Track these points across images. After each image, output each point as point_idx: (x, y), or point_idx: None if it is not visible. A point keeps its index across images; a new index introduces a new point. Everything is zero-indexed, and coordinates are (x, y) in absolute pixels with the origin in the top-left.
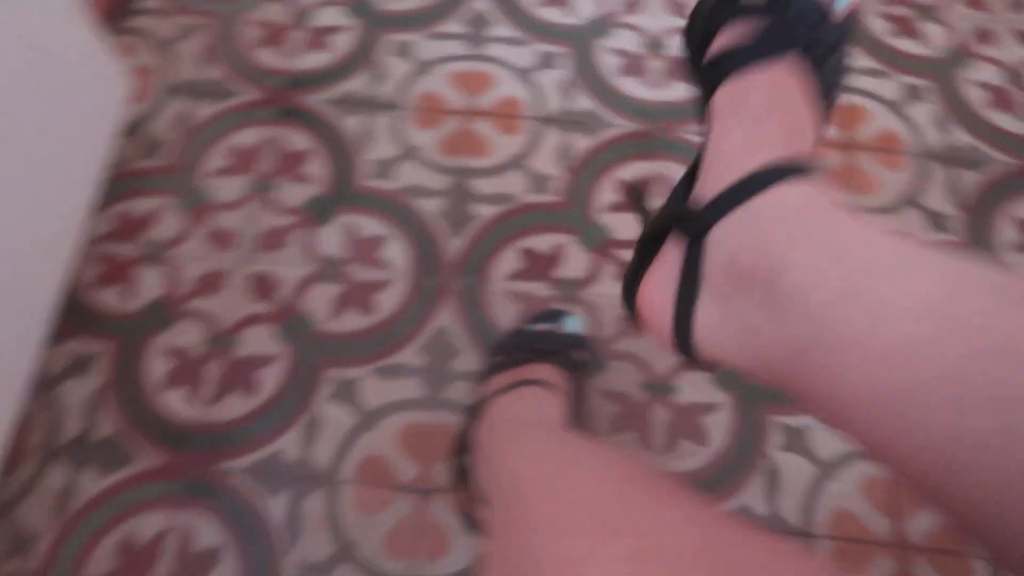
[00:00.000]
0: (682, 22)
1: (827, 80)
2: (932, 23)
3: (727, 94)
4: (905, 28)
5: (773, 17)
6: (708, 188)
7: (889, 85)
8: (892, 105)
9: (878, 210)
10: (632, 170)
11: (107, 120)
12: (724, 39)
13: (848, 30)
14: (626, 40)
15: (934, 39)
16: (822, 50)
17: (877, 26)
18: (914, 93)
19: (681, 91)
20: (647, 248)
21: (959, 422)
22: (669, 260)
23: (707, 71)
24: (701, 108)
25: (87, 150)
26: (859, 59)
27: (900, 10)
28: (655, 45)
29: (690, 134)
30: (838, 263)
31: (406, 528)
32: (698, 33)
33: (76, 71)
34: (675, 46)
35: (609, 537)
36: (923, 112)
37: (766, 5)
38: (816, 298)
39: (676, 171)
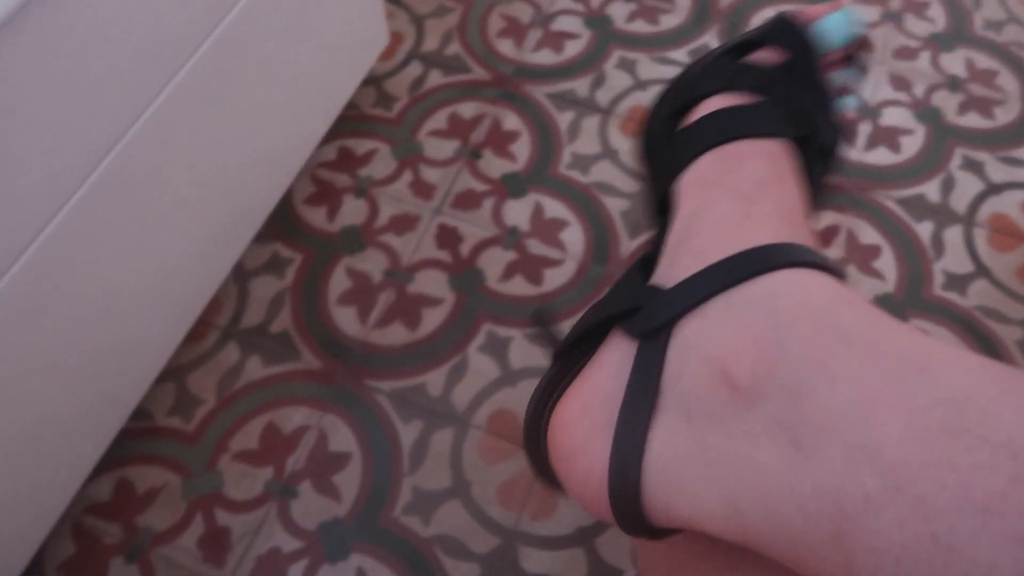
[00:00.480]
0: (903, 98)
1: (816, 181)
2: None
3: (711, 162)
4: None
5: (771, 97)
6: (678, 267)
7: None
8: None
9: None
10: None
11: (360, 66)
12: (713, 106)
13: (843, 133)
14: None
15: None
16: (817, 148)
17: None
18: None
19: (882, 157)
20: (567, 360)
21: None
22: (605, 370)
23: (682, 140)
24: (658, 193)
25: (339, 85)
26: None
27: None
28: (868, 111)
29: (884, 197)
30: (922, 380)
31: (519, 483)
32: (674, 98)
33: (352, 18)
34: (888, 118)
35: None
36: None
37: (764, 85)
38: (885, 431)
39: (860, 228)
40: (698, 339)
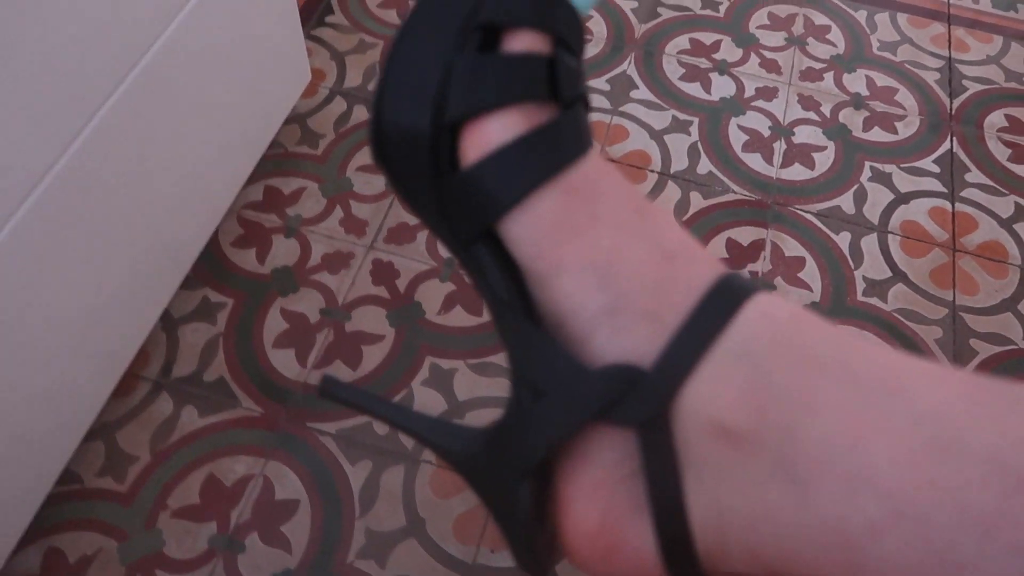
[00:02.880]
0: (812, 117)
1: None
2: None
3: (559, 203)
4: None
5: (561, 102)
6: (628, 335)
7: (1002, 202)
8: (1002, 220)
9: (980, 310)
10: (742, 233)
11: (283, 104)
12: (501, 128)
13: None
14: (755, 120)
15: None
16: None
17: (998, 149)
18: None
19: (798, 173)
20: (544, 476)
21: None
22: (602, 465)
23: (494, 178)
24: (464, 232)
25: (262, 123)
26: (978, 176)
27: (1023, 140)
28: (782, 130)
29: (802, 210)
30: (897, 401)
31: (475, 517)
32: (425, 113)
33: (273, 55)
34: (800, 136)
35: None
36: None
37: (551, 89)
38: (875, 455)
39: (783, 242)
40: (691, 405)
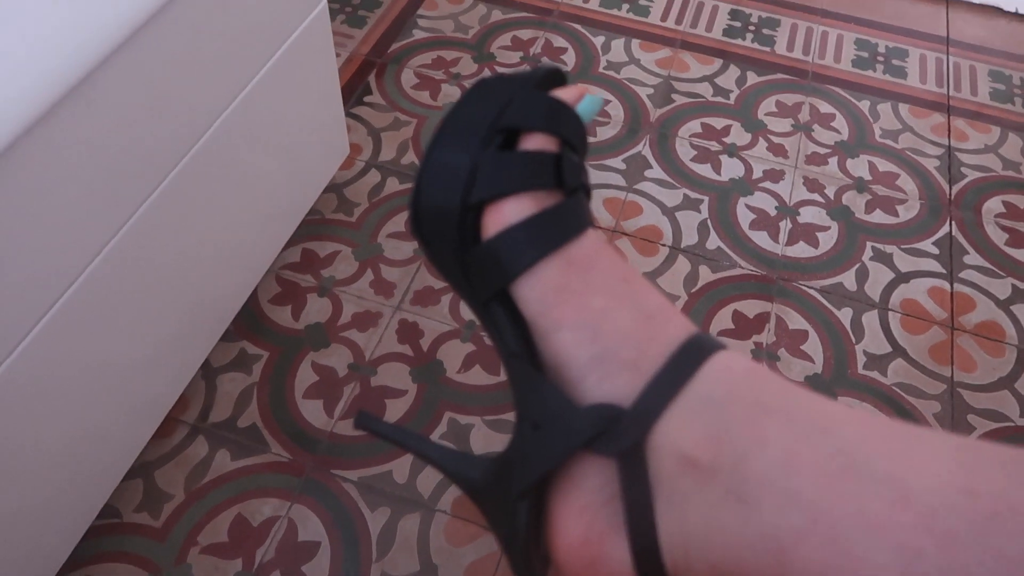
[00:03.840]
0: (817, 199)
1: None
2: None
3: (559, 270)
4: (1020, 240)
5: (566, 190)
6: (613, 380)
7: (999, 284)
8: (999, 301)
9: (978, 387)
10: (749, 306)
11: (323, 175)
12: (514, 209)
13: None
14: (762, 200)
15: None
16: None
17: (996, 233)
18: (1021, 295)
19: (802, 251)
20: (539, 498)
21: None
22: (586, 490)
23: (506, 249)
24: (483, 293)
25: (303, 193)
26: (976, 258)
27: (1020, 225)
28: (787, 210)
29: (806, 286)
30: (826, 436)
31: (487, 565)
32: (454, 206)
33: (316, 132)
34: (805, 216)
35: None
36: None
37: (557, 179)
38: (805, 476)
39: (788, 316)
40: (663, 440)
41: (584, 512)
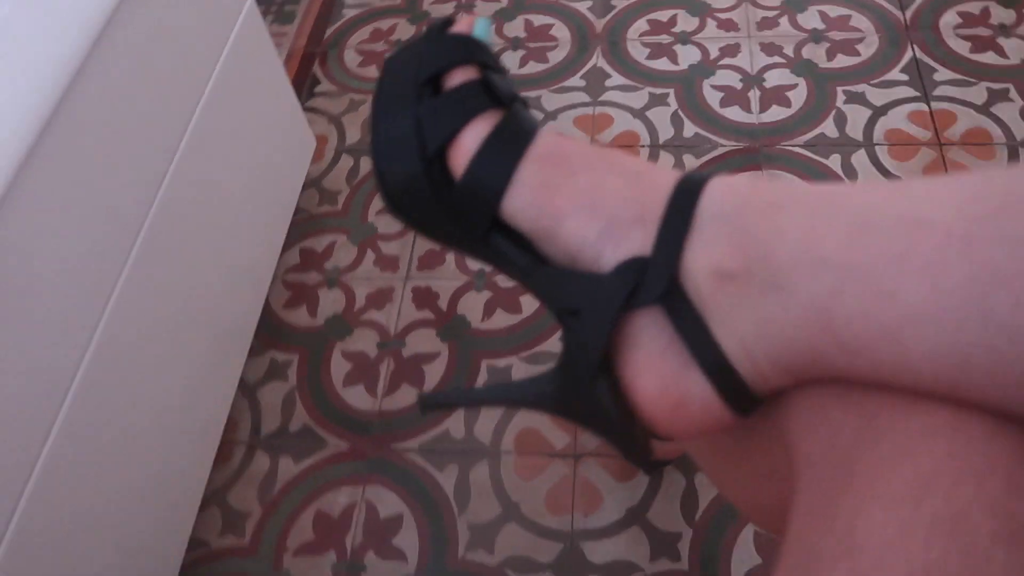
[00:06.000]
0: (778, 61)
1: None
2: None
3: (535, 169)
4: (983, 44)
5: (503, 100)
6: (628, 242)
7: (974, 90)
8: (979, 107)
9: None
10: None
11: (298, 174)
12: (474, 136)
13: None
14: (725, 77)
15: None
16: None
17: (958, 44)
18: (997, 95)
19: (777, 114)
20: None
21: None
22: (644, 342)
23: (481, 172)
24: (477, 224)
25: (284, 195)
26: (945, 73)
27: (978, 31)
28: (752, 79)
29: (790, 146)
30: (836, 208)
31: (562, 489)
32: (414, 147)
33: (279, 133)
34: (771, 80)
35: None
36: (1008, 110)
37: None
38: (828, 244)
39: (781, 178)
40: (693, 267)
41: (651, 363)
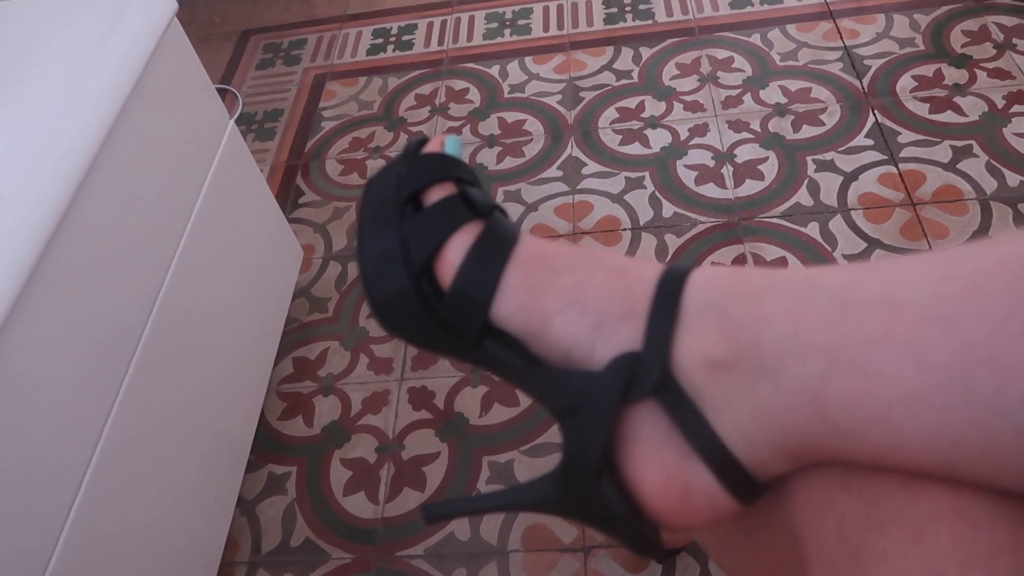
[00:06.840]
0: (746, 136)
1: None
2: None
3: (520, 273)
4: (940, 105)
5: (483, 207)
6: (618, 336)
7: (939, 149)
8: (945, 165)
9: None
10: (723, 255)
11: (287, 284)
12: (458, 248)
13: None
14: (697, 156)
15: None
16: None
17: (917, 107)
18: (961, 152)
19: (752, 188)
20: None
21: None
22: (643, 435)
23: (470, 285)
24: (470, 330)
25: (275, 307)
26: (909, 135)
27: (935, 92)
28: (724, 156)
29: (768, 218)
30: (817, 291)
31: None
32: (403, 266)
33: (267, 247)
34: (741, 155)
35: None
36: (974, 165)
37: (473, 209)
38: (813, 327)
39: (762, 249)
40: (686, 356)
41: (653, 455)
